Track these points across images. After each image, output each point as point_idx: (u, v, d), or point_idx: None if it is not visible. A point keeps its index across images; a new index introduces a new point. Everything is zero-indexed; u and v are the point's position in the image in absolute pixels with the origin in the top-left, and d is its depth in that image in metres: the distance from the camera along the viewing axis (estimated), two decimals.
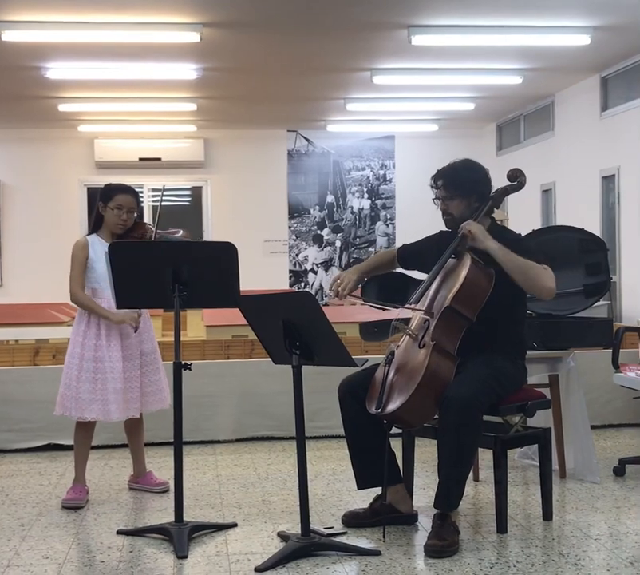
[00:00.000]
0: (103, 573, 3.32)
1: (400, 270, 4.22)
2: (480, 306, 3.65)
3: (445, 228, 3.97)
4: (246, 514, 4.02)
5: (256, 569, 3.30)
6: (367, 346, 5.57)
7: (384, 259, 4.17)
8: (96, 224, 4.36)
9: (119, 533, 3.77)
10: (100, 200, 4.31)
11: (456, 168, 3.88)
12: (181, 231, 4.42)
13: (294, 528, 3.66)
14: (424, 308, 3.70)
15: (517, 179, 3.95)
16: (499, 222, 4.09)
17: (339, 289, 3.88)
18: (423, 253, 4.00)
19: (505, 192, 3.96)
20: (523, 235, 4.36)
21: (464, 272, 3.66)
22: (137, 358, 4.31)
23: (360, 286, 4.14)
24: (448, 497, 3.56)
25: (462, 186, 3.82)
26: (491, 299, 3.65)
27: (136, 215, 4.34)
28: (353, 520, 3.83)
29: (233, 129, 11.43)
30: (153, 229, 4.36)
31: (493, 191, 3.92)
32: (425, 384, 3.51)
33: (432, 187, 3.91)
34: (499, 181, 3.97)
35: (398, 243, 11.73)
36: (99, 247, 4.26)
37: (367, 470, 3.82)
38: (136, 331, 4.27)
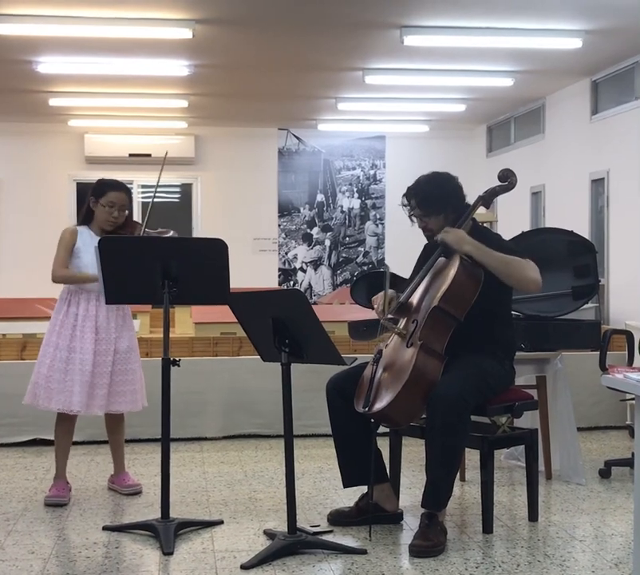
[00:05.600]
0: (88, 569, 3.32)
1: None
2: (469, 306, 3.66)
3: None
4: (232, 512, 4.02)
5: (242, 567, 3.30)
6: (356, 344, 5.58)
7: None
8: (86, 217, 4.31)
9: (105, 528, 3.77)
10: (91, 194, 4.26)
11: (424, 186, 3.84)
12: (171, 232, 4.35)
13: (281, 526, 3.66)
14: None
15: (508, 179, 3.94)
16: (487, 224, 4.10)
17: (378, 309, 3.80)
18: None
19: (495, 192, 3.95)
20: (512, 237, 4.35)
21: (452, 272, 3.66)
22: (110, 355, 4.20)
23: (349, 285, 4.14)
24: (436, 496, 3.57)
25: (435, 204, 3.81)
26: (480, 299, 3.66)
27: (127, 212, 4.30)
28: (338, 518, 3.84)
29: (224, 127, 11.40)
30: (143, 228, 4.33)
31: (483, 191, 3.93)
32: (412, 383, 3.51)
33: (404, 205, 3.89)
34: (489, 182, 3.98)
35: (387, 244, 11.86)
36: (88, 239, 4.22)
37: (353, 469, 3.83)
38: None
